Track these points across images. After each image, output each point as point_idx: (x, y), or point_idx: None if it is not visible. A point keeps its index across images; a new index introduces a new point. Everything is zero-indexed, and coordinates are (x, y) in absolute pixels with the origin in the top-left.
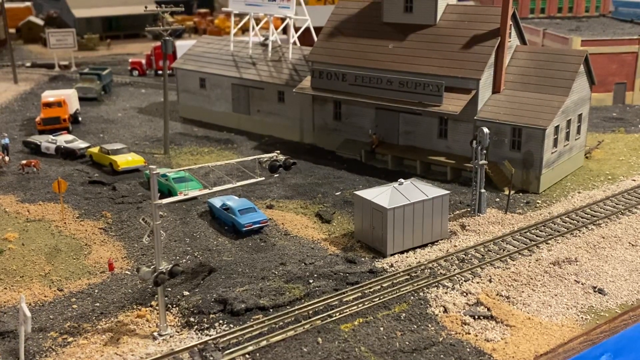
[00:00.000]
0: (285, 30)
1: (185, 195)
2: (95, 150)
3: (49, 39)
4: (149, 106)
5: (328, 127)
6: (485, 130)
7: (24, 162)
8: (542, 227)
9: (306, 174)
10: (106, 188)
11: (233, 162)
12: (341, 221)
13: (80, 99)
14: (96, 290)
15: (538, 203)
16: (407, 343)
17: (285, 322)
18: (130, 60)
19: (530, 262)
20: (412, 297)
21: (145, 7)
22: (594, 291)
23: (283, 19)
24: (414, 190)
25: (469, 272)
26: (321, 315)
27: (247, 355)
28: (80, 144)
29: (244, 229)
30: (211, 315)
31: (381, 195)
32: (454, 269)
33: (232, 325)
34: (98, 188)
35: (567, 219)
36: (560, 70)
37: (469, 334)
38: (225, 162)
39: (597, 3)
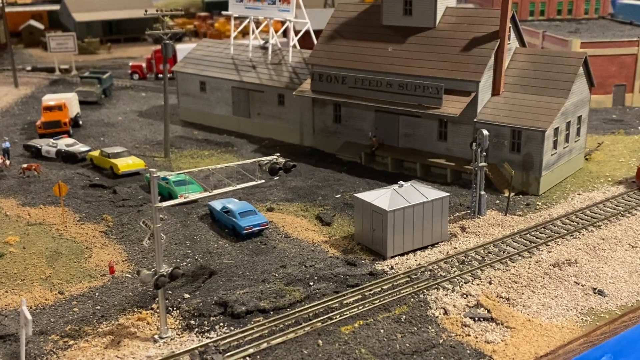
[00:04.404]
0: (285, 34)
1: (185, 198)
2: (95, 153)
3: (49, 42)
4: (150, 109)
5: (328, 130)
6: (485, 132)
7: (24, 165)
8: (542, 229)
9: (306, 177)
10: (107, 191)
11: (233, 165)
12: (341, 224)
13: (81, 103)
14: (97, 294)
15: (538, 205)
16: (407, 345)
17: (286, 324)
18: (130, 63)
19: (530, 264)
20: (412, 299)
21: (146, 11)
22: (594, 293)
23: (283, 22)
24: (413, 193)
25: (469, 274)
26: (321, 318)
27: (247, 358)
28: (80, 147)
29: (244, 231)
30: (212, 318)
31: (381, 197)
32: (454, 271)
33: (232, 328)
34: (99, 191)
35: (567, 220)
36: (559, 72)
37: (469, 335)
38: (226, 165)
39: (596, 5)
